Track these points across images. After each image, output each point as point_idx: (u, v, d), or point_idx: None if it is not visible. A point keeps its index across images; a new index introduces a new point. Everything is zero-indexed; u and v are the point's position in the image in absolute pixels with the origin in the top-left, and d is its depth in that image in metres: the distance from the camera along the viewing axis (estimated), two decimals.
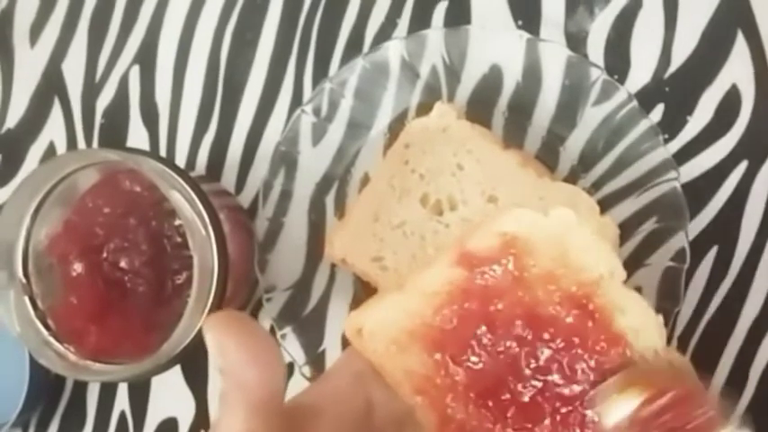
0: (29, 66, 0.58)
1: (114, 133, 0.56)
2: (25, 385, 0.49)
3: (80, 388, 0.55)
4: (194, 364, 0.53)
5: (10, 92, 0.58)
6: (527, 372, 0.33)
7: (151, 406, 0.54)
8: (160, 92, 0.56)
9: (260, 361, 0.29)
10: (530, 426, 0.33)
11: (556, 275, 0.33)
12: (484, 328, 0.33)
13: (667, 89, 0.50)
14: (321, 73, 0.54)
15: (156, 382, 0.54)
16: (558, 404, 0.32)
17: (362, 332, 0.34)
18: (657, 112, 0.50)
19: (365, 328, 0.34)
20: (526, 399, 0.33)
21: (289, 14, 0.54)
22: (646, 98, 0.49)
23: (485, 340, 0.33)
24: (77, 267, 0.43)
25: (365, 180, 0.51)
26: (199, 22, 0.56)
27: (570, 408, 0.32)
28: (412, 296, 0.34)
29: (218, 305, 0.41)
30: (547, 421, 0.33)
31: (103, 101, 0.56)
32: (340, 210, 0.51)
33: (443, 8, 0.53)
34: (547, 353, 0.33)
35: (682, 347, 0.49)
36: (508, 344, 0.33)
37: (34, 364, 0.49)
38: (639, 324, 0.32)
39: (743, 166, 0.49)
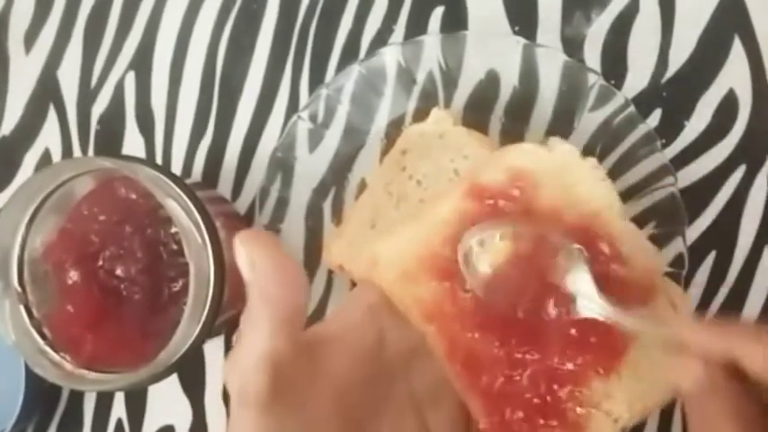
0: (24, 72, 0.57)
1: (110, 140, 0.56)
2: (21, 394, 0.49)
3: (76, 396, 0.54)
4: (191, 371, 0.53)
5: (5, 98, 0.57)
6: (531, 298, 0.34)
7: (148, 414, 0.53)
8: (156, 98, 0.56)
9: (287, 279, 0.30)
10: (534, 349, 0.34)
11: (559, 207, 0.35)
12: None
13: (665, 94, 0.50)
14: (317, 79, 0.53)
15: (153, 390, 0.54)
16: (562, 328, 0.34)
17: (377, 262, 0.36)
18: (655, 117, 0.50)
19: (381, 257, 0.36)
20: (529, 323, 0.34)
21: (285, 20, 0.54)
22: (643, 103, 0.49)
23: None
24: (73, 275, 0.43)
25: (362, 186, 0.50)
26: (195, 27, 0.55)
27: (575, 330, 0.34)
28: (424, 225, 0.36)
29: (214, 313, 0.41)
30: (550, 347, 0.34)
31: (99, 107, 0.56)
32: (337, 216, 0.51)
33: (440, 14, 0.53)
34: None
35: None
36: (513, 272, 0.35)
37: (30, 373, 0.49)
38: (636, 251, 0.35)
39: (740, 170, 0.49)
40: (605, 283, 0.34)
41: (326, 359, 0.31)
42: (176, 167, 0.55)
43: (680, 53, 0.50)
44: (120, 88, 0.56)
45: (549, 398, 0.34)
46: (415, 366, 0.35)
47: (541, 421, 0.34)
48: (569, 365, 0.34)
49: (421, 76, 0.50)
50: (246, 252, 0.30)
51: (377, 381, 0.33)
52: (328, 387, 0.31)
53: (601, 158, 0.47)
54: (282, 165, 0.49)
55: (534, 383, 0.34)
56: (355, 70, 0.49)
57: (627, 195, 0.47)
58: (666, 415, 0.48)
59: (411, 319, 0.35)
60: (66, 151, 0.56)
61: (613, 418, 0.35)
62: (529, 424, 0.34)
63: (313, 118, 0.49)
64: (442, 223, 0.36)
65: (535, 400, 0.34)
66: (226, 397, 0.52)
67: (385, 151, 0.50)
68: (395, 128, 0.50)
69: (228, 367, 0.30)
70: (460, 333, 0.35)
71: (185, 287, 0.42)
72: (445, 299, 0.35)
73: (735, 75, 0.50)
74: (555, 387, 0.34)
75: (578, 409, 0.34)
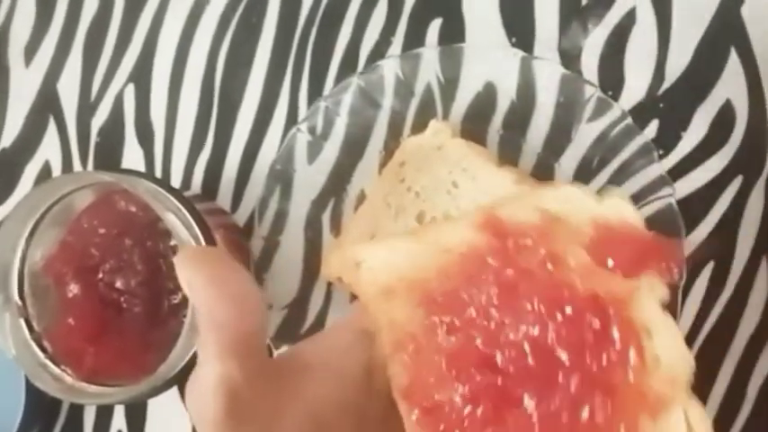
0: (24, 85, 0.58)
1: (109, 152, 0.56)
2: (21, 408, 0.49)
3: (76, 409, 0.54)
4: None
5: (5, 111, 0.58)
6: (523, 364, 0.29)
7: (148, 427, 0.53)
8: (155, 111, 0.56)
9: (233, 298, 0.27)
10: (507, 413, 0.29)
11: (589, 272, 0.28)
12: (489, 303, 0.29)
13: (661, 105, 0.50)
14: (316, 91, 0.54)
15: (153, 403, 0.53)
16: (544, 408, 0.28)
17: (361, 267, 0.32)
18: (652, 129, 0.50)
19: (366, 263, 0.32)
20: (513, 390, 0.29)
21: (283, 33, 0.55)
22: (640, 115, 0.49)
23: (488, 317, 0.29)
24: (73, 288, 0.43)
25: (361, 198, 0.50)
26: (194, 40, 0.56)
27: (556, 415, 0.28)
28: (422, 246, 0.31)
29: None
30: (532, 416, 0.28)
31: (98, 120, 0.56)
32: (336, 228, 0.51)
33: (437, 26, 0.53)
34: (548, 353, 0.28)
35: None
36: (511, 330, 0.29)
37: (30, 387, 0.49)
38: (665, 353, 0.28)
39: (738, 181, 0.49)
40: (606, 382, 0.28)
41: (302, 382, 0.29)
42: (176, 179, 0.55)
43: (677, 65, 0.50)
44: (119, 101, 0.56)
45: None
46: None
47: None
48: None
49: (419, 89, 0.50)
50: (184, 275, 0.28)
51: (363, 412, 0.30)
52: (303, 411, 0.28)
53: (598, 170, 0.48)
54: (281, 177, 0.49)
55: None
56: (354, 83, 0.49)
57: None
58: None
59: (380, 339, 0.31)
60: (66, 163, 0.57)
61: None
62: None
63: (312, 130, 0.49)
64: (443, 250, 0.31)
65: None
66: None
67: (384, 163, 0.50)
68: (393, 140, 0.50)
69: (187, 390, 0.28)
70: (428, 374, 0.30)
71: (185, 299, 0.42)
72: (423, 331, 0.30)
73: (731, 86, 0.50)
74: None
75: None
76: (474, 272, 0.30)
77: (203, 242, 0.41)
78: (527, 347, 0.29)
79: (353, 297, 0.49)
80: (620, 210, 0.29)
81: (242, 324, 0.27)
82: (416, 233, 0.32)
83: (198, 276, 0.27)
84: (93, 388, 0.41)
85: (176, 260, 0.28)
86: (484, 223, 0.30)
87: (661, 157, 0.49)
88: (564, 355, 0.28)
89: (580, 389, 0.28)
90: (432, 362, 0.30)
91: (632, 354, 0.28)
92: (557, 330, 0.28)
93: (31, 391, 0.49)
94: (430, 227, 0.33)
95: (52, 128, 0.57)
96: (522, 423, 0.28)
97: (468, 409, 0.29)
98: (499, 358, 0.29)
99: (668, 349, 0.28)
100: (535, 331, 0.28)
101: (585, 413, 0.28)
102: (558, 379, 0.28)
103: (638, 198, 0.47)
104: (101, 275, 0.44)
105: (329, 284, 0.50)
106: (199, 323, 0.27)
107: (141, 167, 0.55)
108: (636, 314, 0.28)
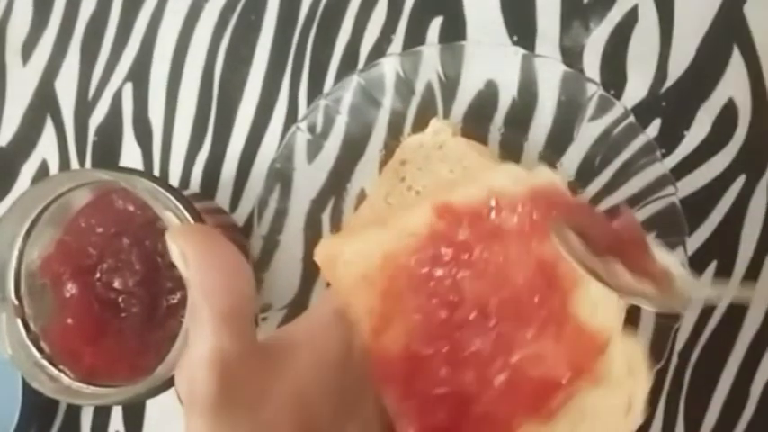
0: (21, 84, 0.57)
1: (107, 151, 0.56)
2: (18, 409, 0.49)
3: (74, 410, 0.54)
4: None
5: (2, 110, 0.57)
6: (478, 324, 0.33)
7: (146, 428, 0.53)
8: (153, 109, 0.55)
9: (225, 268, 0.28)
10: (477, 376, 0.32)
11: (530, 234, 0.33)
12: (451, 277, 0.33)
13: (664, 104, 0.50)
14: (316, 90, 0.53)
15: (151, 404, 0.53)
16: (503, 358, 0.32)
17: (338, 261, 0.35)
18: (654, 128, 0.50)
19: (343, 257, 0.35)
20: (475, 349, 0.33)
21: (283, 31, 0.54)
22: (642, 113, 0.49)
23: (449, 288, 0.33)
24: (70, 288, 0.43)
25: (361, 197, 0.50)
26: (192, 38, 0.55)
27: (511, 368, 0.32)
28: (390, 234, 0.34)
29: None
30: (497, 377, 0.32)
31: (96, 118, 0.56)
32: (336, 227, 0.50)
33: (438, 24, 0.53)
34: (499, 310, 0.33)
35: (682, 363, 0.49)
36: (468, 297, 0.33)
37: (27, 388, 0.49)
38: (598, 300, 0.32)
39: (741, 180, 0.49)
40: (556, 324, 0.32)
41: (288, 362, 0.30)
42: (174, 178, 0.55)
43: (679, 63, 0.50)
44: (117, 99, 0.56)
45: None
46: None
47: None
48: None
49: (420, 87, 0.50)
50: (177, 247, 0.28)
51: (342, 390, 0.31)
52: (288, 392, 0.29)
53: (600, 169, 0.47)
54: (281, 176, 0.49)
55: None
56: (354, 81, 0.49)
57: (627, 206, 0.47)
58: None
59: (360, 327, 0.33)
60: (64, 162, 0.56)
61: None
62: None
63: (312, 129, 0.49)
64: (410, 235, 0.34)
65: None
66: None
67: (384, 162, 0.50)
68: (394, 138, 0.50)
69: (177, 370, 0.28)
70: (401, 356, 0.33)
71: (183, 299, 0.42)
72: (397, 312, 0.33)
73: (734, 84, 0.50)
74: None
75: None
76: (436, 249, 0.34)
77: None
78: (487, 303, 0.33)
79: None
80: (549, 177, 0.34)
81: (233, 293, 0.28)
82: (384, 222, 0.35)
83: (189, 248, 0.28)
84: (90, 388, 0.41)
85: (168, 234, 0.29)
86: (438, 209, 0.34)
87: (663, 155, 0.49)
88: (505, 305, 0.33)
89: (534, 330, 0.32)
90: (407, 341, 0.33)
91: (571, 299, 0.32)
92: (505, 288, 0.33)
93: (28, 391, 0.49)
94: (394, 214, 0.36)
95: (49, 126, 0.57)
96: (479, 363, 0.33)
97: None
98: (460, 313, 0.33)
99: (601, 295, 0.32)
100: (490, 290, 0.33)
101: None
102: (510, 329, 0.33)
103: (640, 197, 0.46)
104: (98, 275, 0.43)
105: (328, 284, 0.50)
106: (191, 296, 0.28)
107: (139, 166, 0.55)
108: (564, 271, 0.32)
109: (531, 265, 0.33)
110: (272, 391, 0.28)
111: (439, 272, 0.34)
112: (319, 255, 0.36)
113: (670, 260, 0.32)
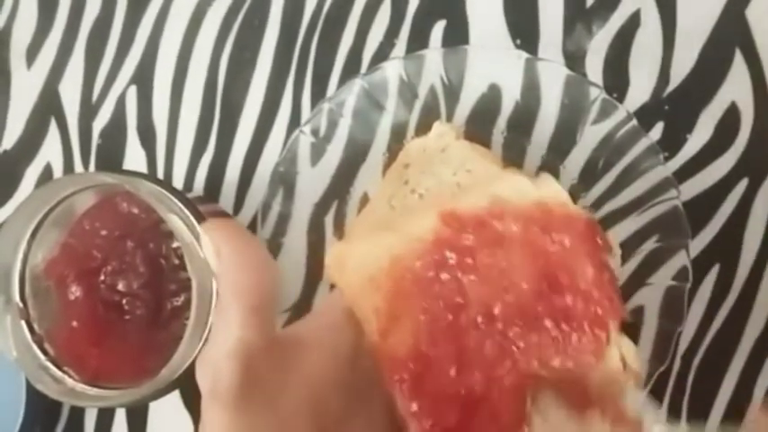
0: (25, 87, 0.57)
1: (111, 154, 0.56)
2: (22, 411, 0.49)
3: (77, 412, 0.54)
4: (193, 387, 0.52)
5: (6, 113, 0.57)
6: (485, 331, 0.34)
7: (149, 430, 0.53)
8: (157, 112, 0.55)
9: (256, 266, 0.29)
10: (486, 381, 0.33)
11: (534, 243, 0.34)
12: (456, 281, 0.34)
13: (667, 107, 0.50)
14: (319, 93, 0.53)
15: (155, 406, 0.53)
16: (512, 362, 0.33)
17: (346, 265, 0.35)
18: (657, 131, 0.50)
19: (351, 260, 0.35)
20: (483, 351, 0.34)
21: (286, 35, 0.54)
22: (645, 117, 0.49)
23: (454, 291, 0.34)
24: (75, 290, 0.43)
25: (364, 200, 0.50)
26: (196, 42, 0.55)
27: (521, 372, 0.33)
28: (398, 238, 0.35)
29: None
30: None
31: (100, 122, 0.56)
32: (339, 230, 0.51)
33: (441, 28, 0.53)
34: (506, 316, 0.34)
35: (685, 366, 0.49)
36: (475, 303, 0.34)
37: (31, 390, 0.49)
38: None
39: (743, 183, 0.49)
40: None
41: (301, 359, 0.30)
42: (178, 181, 0.55)
43: (682, 67, 0.50)
44: (121, 103, 0.56)
45: None
46: None
47: None
48: None
49: (423, 90, 0.50)
50: (211, 241, 0.29)
51: (352, 387, 0.32)
52: (302, 388, 0.30)
53: (603, 172, 0.47)
54: (284, 179, 0.49)
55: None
56: (357, 84, 0.49)
57: (629, 209, 0.47)
58: None
59: (366, 329, 0.34)
60: (68, 166, 0.56)
61: None
62: None
63: (315, 132, 0.49)
64: (416, 240, 0.35)
65: None
66: None
67: (387, 165, 0.50)
68: (397, 142, 0.50)
69: (200, 363, 0.29)
70: (410, 357, 0.34)
71: (187, 301, 0.42)
72: (404, 314, 0.34)
73: (736, 88, 0.50)
74: None
75: None
76: (441, 254, 0.35)
77: None
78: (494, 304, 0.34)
79: None
80: (556, 193, 0.35)
81: (261, 290, 0.29)
82: (390, 226, 0.36)
83: (224, 243, 0.29)
84: (94, 391, 0.41)
85: (204, 230, 0.30)
86: (444, 217, 0.35)
87: (666, 159, 0.49)
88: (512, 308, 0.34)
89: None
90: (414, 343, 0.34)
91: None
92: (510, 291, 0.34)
93: (32, 393, 0.49)
94: (400, 218, 0.37)
95: (54, 130, 0.57)
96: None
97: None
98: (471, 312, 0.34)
99: None
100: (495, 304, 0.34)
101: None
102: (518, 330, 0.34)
103: (643, 200, 0.46)
104: (103, 278, 0.43)
105: (332, 287, 0.50)
106: (221, 291, 0.29)
107: (143, 169, 0.55)
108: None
109: (534, 271, 0.34)
110: (288, 386, 0.29)
111: (444, 275, 0.35)
112: (330, 258, 0.37)
113: (642, 408, 0.33)
